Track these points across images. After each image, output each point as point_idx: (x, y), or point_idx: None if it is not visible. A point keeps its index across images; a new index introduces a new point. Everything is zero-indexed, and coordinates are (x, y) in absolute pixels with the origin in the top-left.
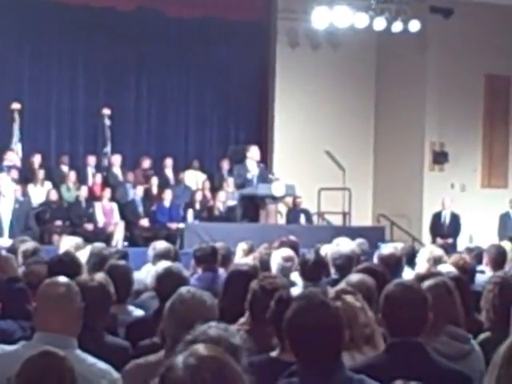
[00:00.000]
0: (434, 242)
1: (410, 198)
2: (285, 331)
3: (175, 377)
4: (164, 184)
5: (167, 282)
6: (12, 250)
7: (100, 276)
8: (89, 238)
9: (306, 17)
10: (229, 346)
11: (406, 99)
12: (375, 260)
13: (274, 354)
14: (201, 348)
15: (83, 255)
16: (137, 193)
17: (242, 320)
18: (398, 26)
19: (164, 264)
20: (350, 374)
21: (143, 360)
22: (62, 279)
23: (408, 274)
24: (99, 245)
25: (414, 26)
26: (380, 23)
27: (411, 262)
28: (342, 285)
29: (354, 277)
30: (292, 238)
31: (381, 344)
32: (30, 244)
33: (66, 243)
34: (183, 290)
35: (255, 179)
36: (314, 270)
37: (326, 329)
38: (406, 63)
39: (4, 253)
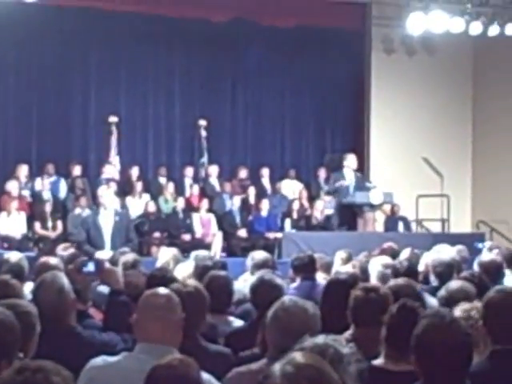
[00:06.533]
0: None
1: (510, 204)
2: (412, 347)
3: None
4: (261, 194)
5: (261, 292)
6: (112, 261)
7: (192, 281)
8: (187, 249)
9: (400, 23)
10: (335, 354)
11: (504, 103)
12: (475, 267)
13: (376, 362)
14: (298, 356)
15: (184, 266)
16: (234, 203)
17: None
18: (494, 30)
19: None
20: None
21: (245, 368)
22: (163, 290)
23: (510, 280)
24: (202, 254)
25: (511, 29)
26: (476, 27)
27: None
28: (442, 292)
29: (454, 284)
30: (393, 245)
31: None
32: (130, 256)
33: (164, 254)
34: (285, 298)
35: (352, 187)
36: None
37: (456, 348)
38: (503, 67)
39: (108, 265)
